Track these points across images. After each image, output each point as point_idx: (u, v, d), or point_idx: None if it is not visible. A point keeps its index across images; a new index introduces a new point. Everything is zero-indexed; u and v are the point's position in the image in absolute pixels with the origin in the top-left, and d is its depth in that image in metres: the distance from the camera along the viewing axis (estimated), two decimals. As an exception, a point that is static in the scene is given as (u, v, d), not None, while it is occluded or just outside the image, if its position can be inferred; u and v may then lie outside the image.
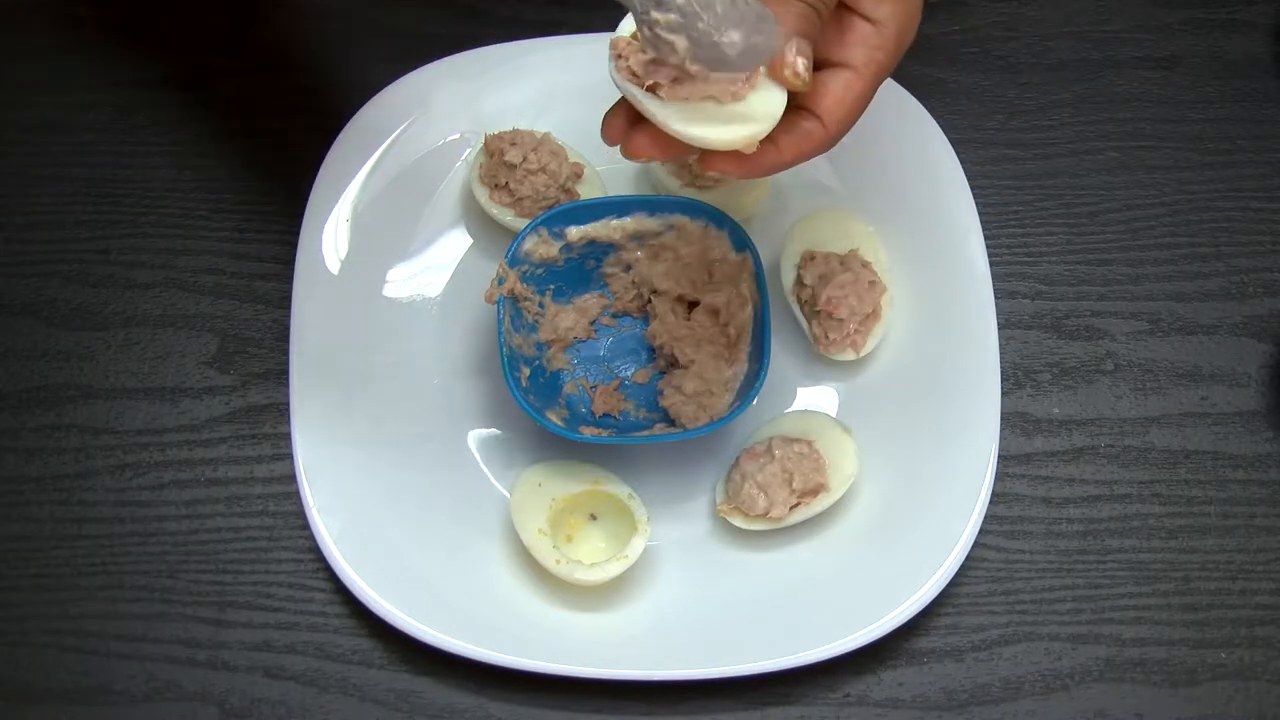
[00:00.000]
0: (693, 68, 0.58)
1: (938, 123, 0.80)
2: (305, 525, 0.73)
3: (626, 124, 0.61)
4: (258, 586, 0.73)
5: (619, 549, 0.71)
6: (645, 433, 0.75)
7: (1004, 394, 0.75)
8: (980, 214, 0.78)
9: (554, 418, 0.74)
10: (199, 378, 0.78)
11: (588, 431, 0.74)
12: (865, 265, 0.76)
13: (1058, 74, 0.86)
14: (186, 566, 0.74)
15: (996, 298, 0.77)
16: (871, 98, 0.62)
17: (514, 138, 0.78)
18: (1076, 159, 0.84)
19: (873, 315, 0.76)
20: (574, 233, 0.76)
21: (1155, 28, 0.87)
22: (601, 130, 0.63)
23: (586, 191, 0.79)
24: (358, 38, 0.86)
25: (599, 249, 0.77)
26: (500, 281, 0.74)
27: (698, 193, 0.78)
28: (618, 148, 0.63)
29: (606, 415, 0.77)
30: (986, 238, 0.78)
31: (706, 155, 0.61)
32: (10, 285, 0.80)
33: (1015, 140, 0.84)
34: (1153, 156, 0.84)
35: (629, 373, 0.78)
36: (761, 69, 0.59)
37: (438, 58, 0.82)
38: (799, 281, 0.77)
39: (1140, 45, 0.87)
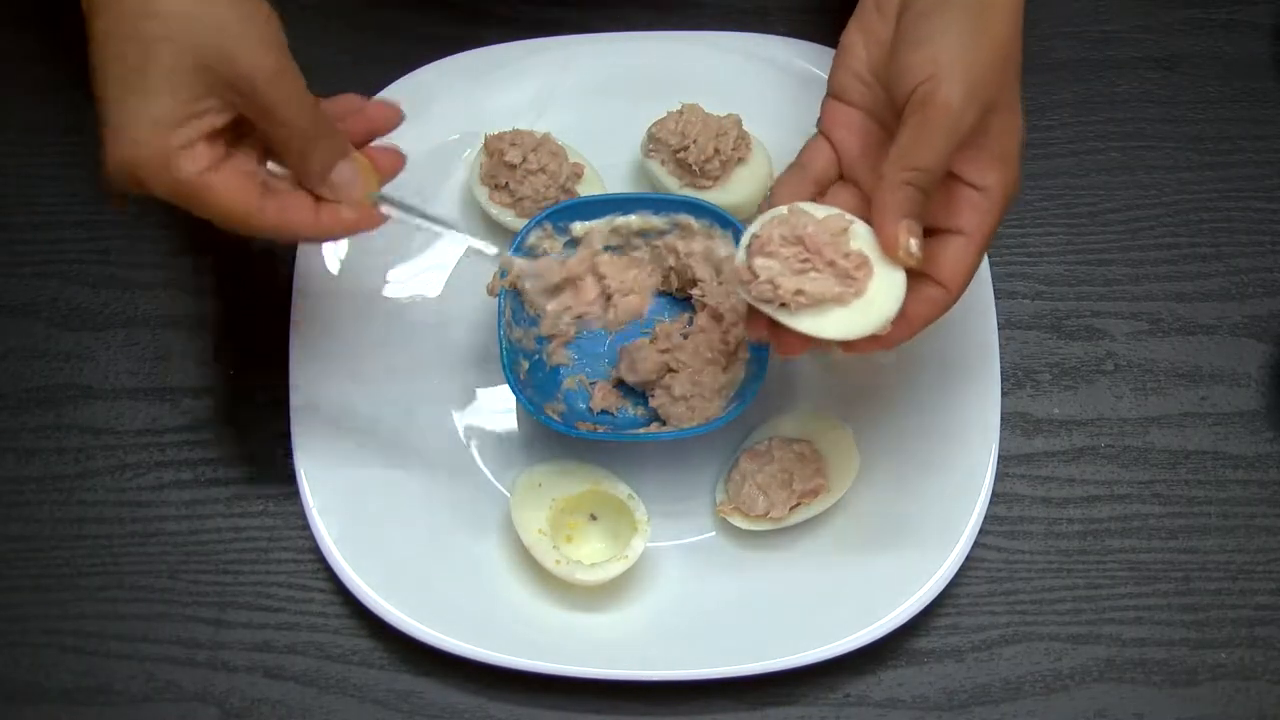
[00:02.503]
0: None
1: (938, 123, 0.80)
2: (305, 525, 0.73)
3: (768, 322, 0.65)
4: (258, 587, 0.73)
5: (619, 549, 0.71)
6: (642, 430, 0.75)
7: (1004, 394, 0.75)
8: (980, 214, 0.78)
9: (551, 413, 0.74)
10: (199, 378, 0.78)
11: (584, 427, 0.74)
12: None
13: (1058, 74, 0.86)
14: (186, 566, 0.74)
15: (996, 298, 0.77)
16: (984, 255, 0.65)
17: (514, 138, 0.78)
18: (1076, 159, 0.84)
19: (873, 315, 0.76)
20: (578, 228, 0.76)
21: (1155, 28, 0.87)
22: (747, 329, 0.68)
23: (586, 191, 0.79)
24: (358, 38, 0.86)
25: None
26: (503, 275, 0.74)
27: (697, 192, 0.78)
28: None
29: (604, 412, 0.77)
30: (986, 238, 0.78)
31: (848, 344, 0.64)
32: (10, 285, 0.80)
33: (1015, 140, 0.84)
34: (1153, 156, 0.84)
35: (628, 370, 0.78)
36: (874, 258, 0.63)
37: (438, 58, 0.82)
38: (799, 282, 0.77)
39: (1140, 45, 0.87)
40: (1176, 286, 0.80)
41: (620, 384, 0.77)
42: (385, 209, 0.66)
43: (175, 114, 0.59)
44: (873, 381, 0.77)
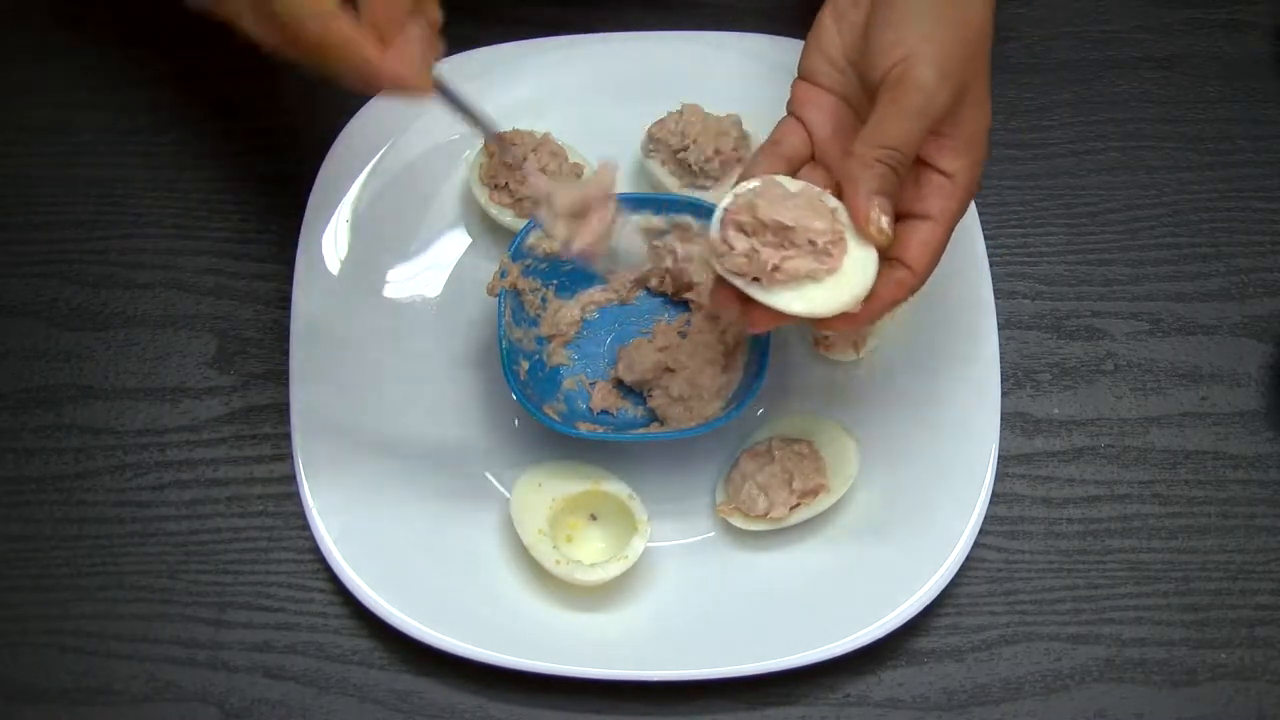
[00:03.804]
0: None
1: (938, 123, 0.80)
2: (305, 525, 0.73)
3: (738, 297, 0.64)
4: (258, 586, 0.73)
5: (619, 549, 0.71)
6: (642, 430, 0.75)
7: (1004, 394, 0.75)
8: (980, 214, 0.78)
9: (551, 413, 0.74)
10: (199, 378, 0.78)
11: (584, 427, 0.74)
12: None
13: (1058, 74, 0.86)
14: (186, 566, 0.74)
15: (996, 298, 0.77)
16: (948, 241, 0.65)
17: (514, 138, 0.78)
18: (1076, 159, 0.84)
19: (873, 315, 0.76)
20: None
21: (1155, 28, 0.87)
22: (712, 301, 0.66)
23: (586, 191, 0.79)
24: (358, 38, 0.86)
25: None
26: (503, 275, 0.74)
27: (697, 193, 0.78)
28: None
29: (604, 412, 0.77)
30: (986, 238, 0.78)
31: (819, 320, 0.64)
32: (10, 285, 0.80)
33: (1015, 140, 0.84)
34: (1153, 156, 0.84)
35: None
36: (848, 233, 0.62)
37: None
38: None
39: (1140, 45, 0.87)
40: (1176, 286, 0.80)
41: (620, 384, 0.77)
42: (437, 84, 0.62)
43: None
44: (873, 382, 0.77)
